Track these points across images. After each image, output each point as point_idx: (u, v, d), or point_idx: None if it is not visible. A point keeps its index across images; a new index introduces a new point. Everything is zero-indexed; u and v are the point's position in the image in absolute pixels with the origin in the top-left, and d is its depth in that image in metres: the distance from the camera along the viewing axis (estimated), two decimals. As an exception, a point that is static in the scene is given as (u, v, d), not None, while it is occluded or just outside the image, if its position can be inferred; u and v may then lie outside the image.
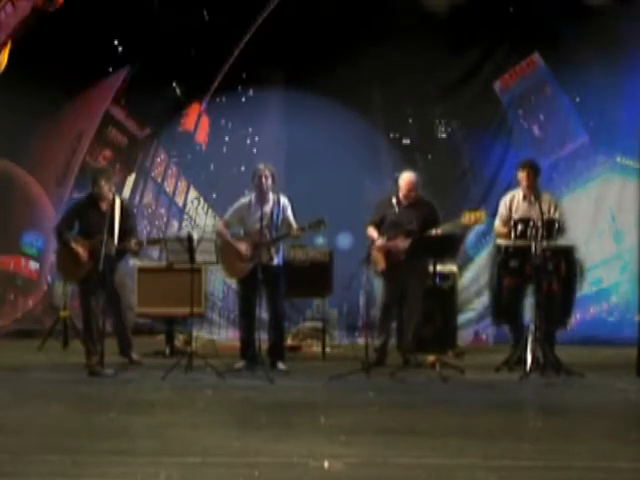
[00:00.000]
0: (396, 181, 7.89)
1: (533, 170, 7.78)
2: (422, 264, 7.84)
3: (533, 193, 7.71)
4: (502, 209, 7.90)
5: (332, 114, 9.95)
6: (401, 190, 7.80)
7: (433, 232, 7.56)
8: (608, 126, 9.94)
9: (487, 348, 9.36)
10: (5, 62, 10.09)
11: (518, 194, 7.86)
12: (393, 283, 7.83)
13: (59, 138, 10.40)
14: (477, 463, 4.65)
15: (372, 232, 7.85)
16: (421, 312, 7.85)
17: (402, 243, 7.66)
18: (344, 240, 9.10)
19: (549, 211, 7.65)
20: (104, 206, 7.61)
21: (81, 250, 7.52)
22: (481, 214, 7.61)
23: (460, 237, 7.76)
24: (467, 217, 7.54)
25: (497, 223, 7.91)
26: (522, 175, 7.77)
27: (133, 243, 7.63)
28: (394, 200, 7.80)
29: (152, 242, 8.04)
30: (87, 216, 7.65)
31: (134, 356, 7.96)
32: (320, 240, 9.16)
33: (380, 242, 7.70)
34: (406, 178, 7.84)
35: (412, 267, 7.68)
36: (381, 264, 7.70)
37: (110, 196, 7.64)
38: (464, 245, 9.08)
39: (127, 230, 7.66)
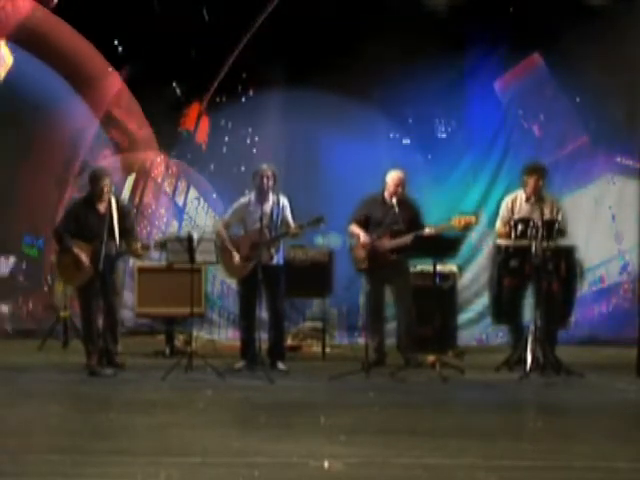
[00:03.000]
0: (384, 179, 7.88)
1: (542, 175, 7.77)
2: (404, 263, 7.85)
3: (537, 195, 7.71)
4: (503, 210, 7.89)
5: (332, 114, 9.96)
6: (388, 188, 7.79)
7: (431, 232, 7.58)
8: (608, 126, 9.93)
9: (487, 348, 9.36)
10: (10, 60, 10.09)
11: (521, 195, 7.85)
12: (378, 283, 7.83)
13: (59, 138, 10.38)
14: (477, 463, 4.65)
15: (356, 229, 7.81)
16: (413, 310, 7.84)
17: (389, 243, 7.66)
18: (340, 240, 9.10)
19: (552, 213, 7.65)
20: (102, 207, 7.57)
21: (83, 256, 7.46)
22: (471, 218, 7.61)
23: (460, 237, 7.76)
24: (457, 221, 7.53)
25: (498, 224, 7.90)
26: (530, 180, 7.74)
27: (140, 247, 7.62)
28: (382, 199, 7.80)
29: (158, 246, 7.97)
30: (85, 218, 7.57)
31: (118, 360, 7.71)
32: (320, 240, 9.16)
33: (365, 240, 7.68)
34: (394, 175, 7.82)
35: (395, 267, 7.69)
36: (363, 263, 7.68)
37: (108, 197, 7.62)
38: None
39: (126, 230, 7.65)
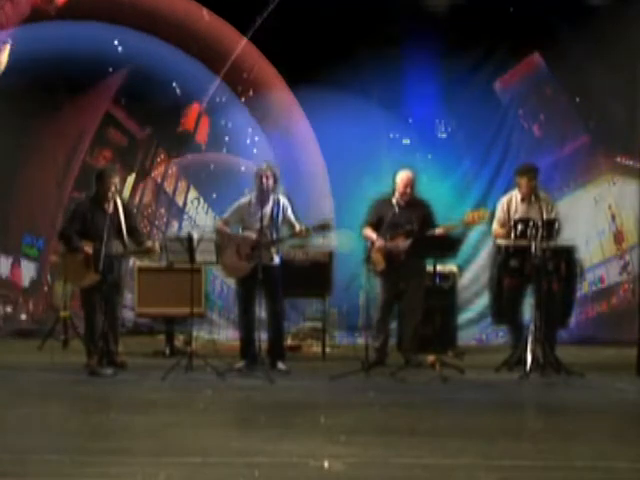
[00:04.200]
0: (393, 180, 7.88)
1: (533, 176, 7.78)
2: (421, 264, 7.84)
3: (533, 195, 7.72)
4: (499, 212, 7.91)
5: (331, 114, 9.96)
6: (398, 188, 7.79)
7: (436, 231, 7.58)
8: (608, 126, 9.94)
9: (487, 348, 9.37)
10: (5, 62, 10.09)
11: (516, 196, 7.87)
12: (392, 283, 7.82)
13: (59, 138, 10.39)
14: (477, 463, 4.65)
15: (369, 233, 7.83)
16: (421, 312, 7.85)
17: (402, 243, 7.66)
18: (344, 240, 9.10)
19: (547, 211, 7.66)
20: (109, 207, 7.59)
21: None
22: (484, 213, 7.64)
23: (461, 237, 7.76)
24: (470, 216, 7.56)
25: (495, 226, 7.92)
26: (522, 182, 7.77)
27: (158, 246, 7.66)
28: (393, 200, 7.80)
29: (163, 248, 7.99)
30: (92, 218, 7.55)
31: (118, 358, 7.71)
32: (320, 240, 9.15)
33: (380, 243, 7.69)
34: (402, 175, 7.83)
35: (411, 267, 7.68)
36: (381, 265, 7.69)
37: (114, 196, 7.63)
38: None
39: (133, 229, 7.68)
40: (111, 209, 7.55)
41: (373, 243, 7.75)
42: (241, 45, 10.22)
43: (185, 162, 10.61)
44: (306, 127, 10.31)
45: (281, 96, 10.33)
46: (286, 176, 9.50)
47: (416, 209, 7.76)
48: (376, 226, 7.82)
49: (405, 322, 7.95)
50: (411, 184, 7.79)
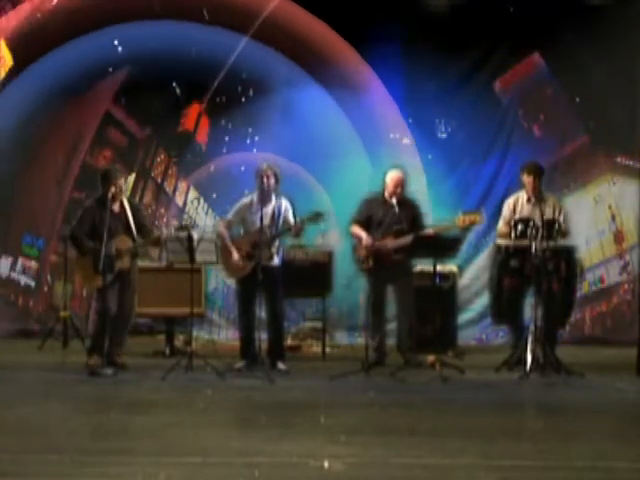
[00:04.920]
0: (383, 179, 7.88)
1: (539, 174, 7.78)
2: (408, 263, 7.84)
3: (537, 195, 7.72)
4: (506, 211, 7.90)
5: (331, 114, 9.96)
6: (387, 188, 7.79)
7: (431, 232, 7.58)
8: (608, 126, 9.94)
9: (487, 348, 9.37)
10: (9, 57, 10.09)
11: (522, 196, 7.86)
12: (380, 282, 7.82)
13: (59, 138, 10.39)
14: (477, 463, 4.65)
15: (358, 231, 7.81)
16: (414, 310, 7.84)
17: (391, 243, 7.65)
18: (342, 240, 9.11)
19: (554, 213, 7.66)
20: (116, 207, 7.58)
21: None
22: (476, 216, 7.59)
23: (461, 237, 7.76)
24: (461, 219, 7.52)
25: (500, 225, 7.91)
26: (527, 179, 7.76)
27: (165, 235, 7.71)
28: (382, 199, 7.80)
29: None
30: (100, 218, 7.51)
31: (119, 359, 7.70)
32: (320, 240, 9.16)
33: (369, 241, 7.68)
34: (393, 175, 7.82)
35: (398, 267, 7.68)
36: (367, 264, 7.68)
37: (120, 196, 7.64)
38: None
39: (142, 226, 7.70)
40: (118, 208, 7.58)
41: (360, 241, 7.75)
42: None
43: (185, 162, 10.59)
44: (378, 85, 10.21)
45: (347, 57, 10.19)
46: (364, 136, 9.53)
47: (406, 209, 7.74)
48: (364, 224, 7.82)
49: (401, 323, 7.94)
50: (401, 184, 7.78)
